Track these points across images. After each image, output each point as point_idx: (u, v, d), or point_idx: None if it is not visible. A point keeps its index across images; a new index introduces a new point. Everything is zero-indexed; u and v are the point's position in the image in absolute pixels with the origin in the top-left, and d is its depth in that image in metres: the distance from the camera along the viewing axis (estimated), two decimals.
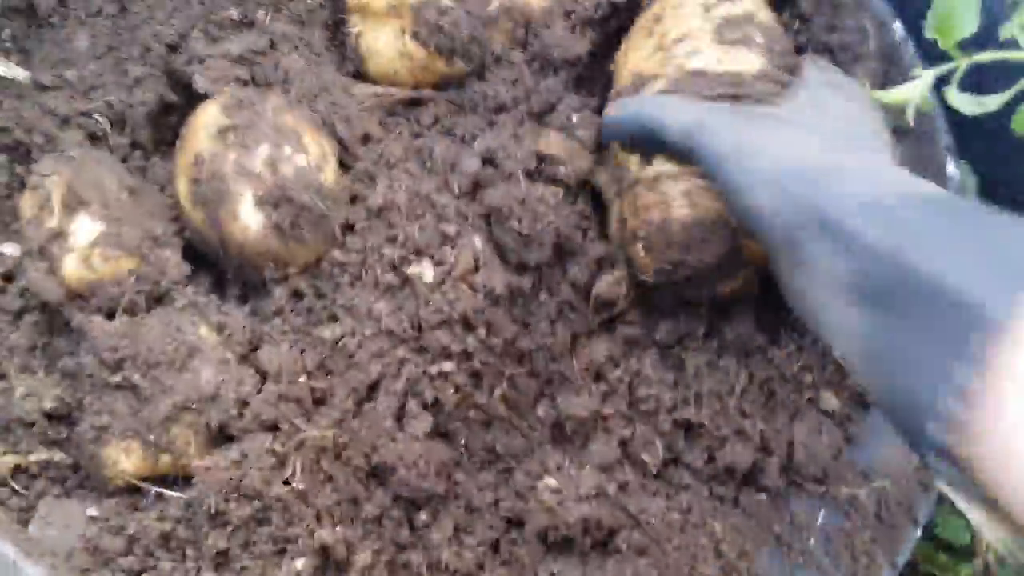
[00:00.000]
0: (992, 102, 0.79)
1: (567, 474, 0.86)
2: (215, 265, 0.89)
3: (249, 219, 0.81)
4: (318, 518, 0.80)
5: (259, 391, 0.81)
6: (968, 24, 0.78)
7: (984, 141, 0.99)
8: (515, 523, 0.86)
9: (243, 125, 0.81)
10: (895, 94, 0.81)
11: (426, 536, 0.84)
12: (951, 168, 0.96)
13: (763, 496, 0.91)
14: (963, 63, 0.80)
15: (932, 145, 0.97)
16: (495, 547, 0.86)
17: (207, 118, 0.83)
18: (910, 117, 0.81)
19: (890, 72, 0.95)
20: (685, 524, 0.89)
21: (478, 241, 0.85)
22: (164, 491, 0.82)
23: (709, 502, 0.90)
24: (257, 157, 0.80)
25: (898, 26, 0.97)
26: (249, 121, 0.82)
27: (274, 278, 0.85)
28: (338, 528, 0.80)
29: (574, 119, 0.91)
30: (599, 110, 0.91)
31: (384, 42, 0.93)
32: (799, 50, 0.91)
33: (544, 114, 0.92)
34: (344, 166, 0.88)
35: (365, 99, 0.92)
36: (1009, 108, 0.81)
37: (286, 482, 0.78)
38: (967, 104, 0.80)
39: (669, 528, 0.88)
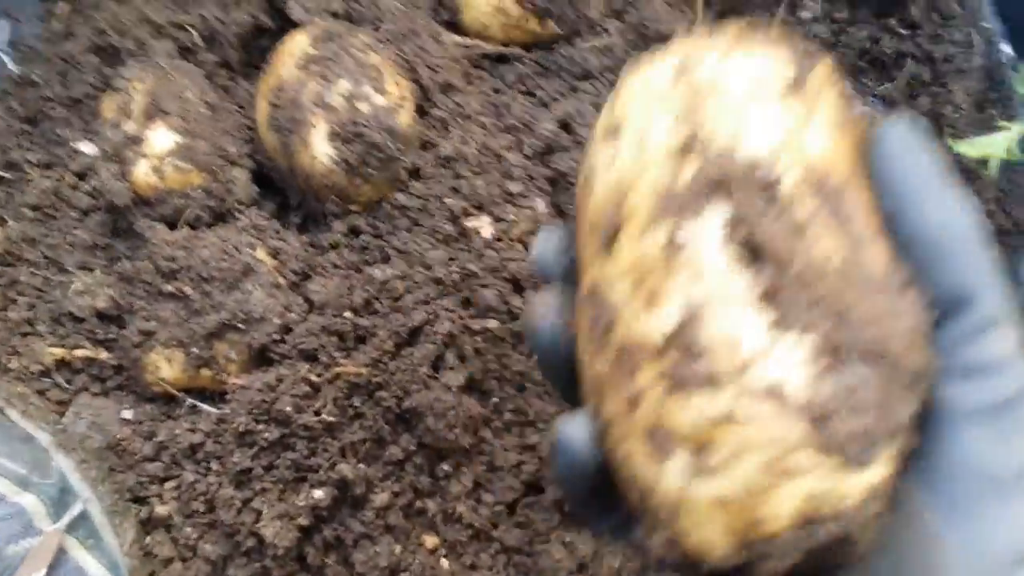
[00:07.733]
0: None
1: None
2: (281, 191, 0.90)
3: (319, 150, 0.81)
4: (342, 452, 0.81)
5: (304, 320, 0.82)
6: None
7: None
8: (534, 488, 0.86)
9: (328, 57, 0.82)
10: (977, 146, 0.76)
11: (445, 487, 0.85)
12: None
13: None
14: None
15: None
16: (511, 508, 0.86)
17: (295, 46, 0.84)
18: (993, 171, 0.77)
19: (988, 94, 0.91)
20: None
21: (541, 203, 0.84)
22: (199, 404, 0.84)
23: None
24: (336, 91, 0.81)
25: (1006, 47, 0.93)
26: (334, 54, 0.82)
27: (335, 212, 0.85)
28: (360, 465, 0.81)
29: None
30: None
31: None
32: (899, 59, 0.88)
33: None
34: (421, 111, 0.88)
35: (453, 49, 0.91)
36: None
37: (316, 412, 0.80)
38: None
39: None
